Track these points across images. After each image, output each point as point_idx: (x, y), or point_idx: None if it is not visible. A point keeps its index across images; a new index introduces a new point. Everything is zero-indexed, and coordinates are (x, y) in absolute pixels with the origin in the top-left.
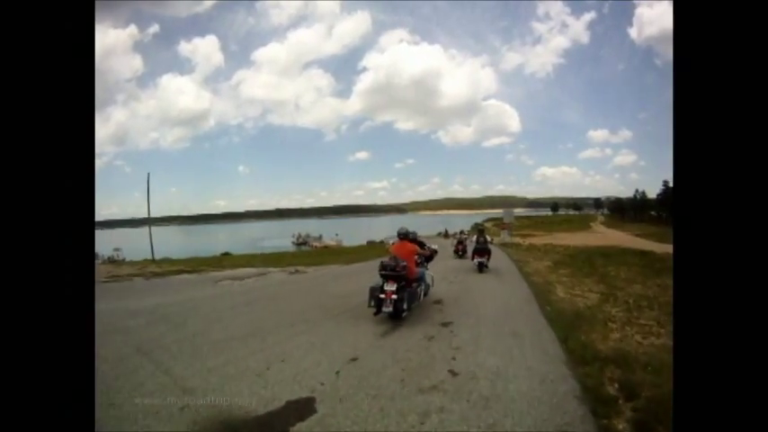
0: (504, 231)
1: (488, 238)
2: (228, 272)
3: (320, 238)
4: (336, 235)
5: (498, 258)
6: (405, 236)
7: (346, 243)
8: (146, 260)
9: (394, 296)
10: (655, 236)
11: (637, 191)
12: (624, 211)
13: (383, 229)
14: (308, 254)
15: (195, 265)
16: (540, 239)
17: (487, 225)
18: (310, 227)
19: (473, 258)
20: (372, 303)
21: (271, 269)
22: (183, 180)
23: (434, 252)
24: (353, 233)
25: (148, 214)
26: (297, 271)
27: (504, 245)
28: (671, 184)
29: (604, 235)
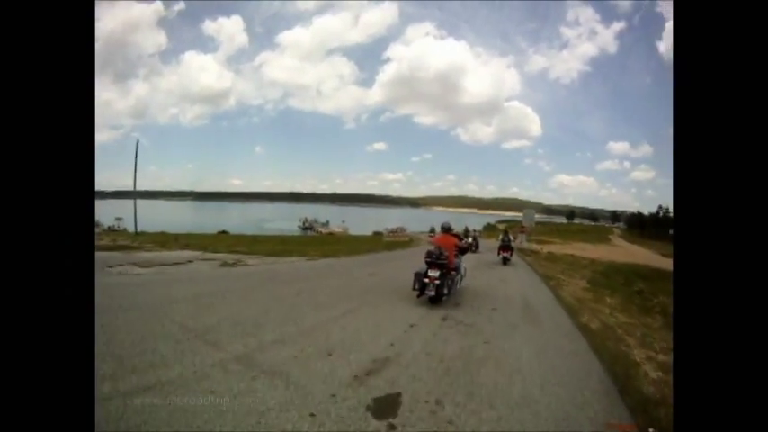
0: (522, 235)
1: (511, 238)
2: (156, 254)
3: (327, 224)
4: (343, 222)
5: (521, 270)
6: (448, 230)
7: (353, 231)
8: (125, 232)
9: (437, 281)
10: None
11: (660, 207)
12: (644, 226)
13: (393, 221)
14: (299, 240)
15: (155, 240)
16: (559, 248)
17: (500, 227)
18: (322, 212)
19: (499, 253)
20: (416, 287)
21: (211, 256)
22: (200, 157)
23: (470, 246)
24: (363, 222)
25: (134, 187)
26: (236, 263)
27: (521, 251)
28: (666, 209)
29: (628, 250)
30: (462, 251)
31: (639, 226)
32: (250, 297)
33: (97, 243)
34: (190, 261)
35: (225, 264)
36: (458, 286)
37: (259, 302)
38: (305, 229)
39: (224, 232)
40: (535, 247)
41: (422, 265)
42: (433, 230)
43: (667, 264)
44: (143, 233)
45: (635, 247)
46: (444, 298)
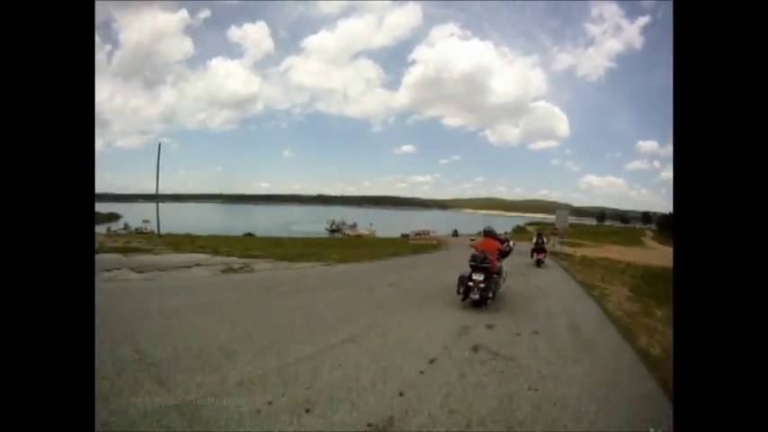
0: (555, 237)
1: (544, 240)
2: (163, 257)
3: (354, 226)
4: (371, 224)
5: (557, 276)
6: (490, 233)
7: (381, 234)
8: (151, 234)
9: (481, 285)
10: None
11: None
12: None
13: (421, 224)
14: (322, 243)
15: (172, 242)
16: (593, 251)
17: (529, 229)
18: (350, 215)
19: (532, 255)
20: (460, 290)
21: (220, 260)
22: (229, 160)
23: (511, 249)
24: (391, 224)
25: (156, 190)
26: (242, 268)
27: (554, 254)
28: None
29: (662, 253)
30: (504, 255)
31: (672, 227)
32: (235, 313)
33: (110, 245)
34: (192, 265)
35: (229, 269)
36: (500, 290)
37: (242, 322)
38: (332, 231)
39: (250, 234)
40: (567, 250)
41: (448, 273)
42: (456, 232)
43: None
44: (169, 235)
45: (669, 249)
46: (489, 302)
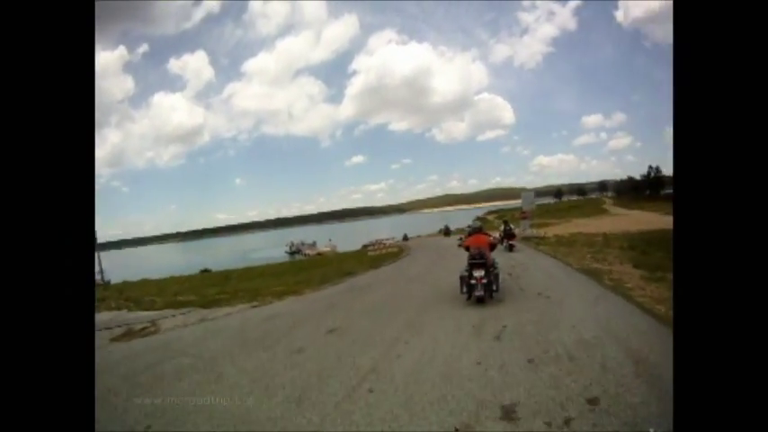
0: (525, 221)
1: (512, 226)
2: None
3: (314, 244)
4: (330, 240)
5: (551, 266)
6: (478, 229)
7: (342, 247)
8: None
9: (484, 281)
10: None
11: (651, 167)
12: (638, 190)
13: (383, 231)
14: (272, 271)
15: (101, 297)
16: (563, 228)
17: (489, 218)
18: (310, 233)
19: (502, 242)
20: (464, 290)
21: (133, 316)
22: (182, 196)
23: (498, 241)
24: (351, 236)
25: (95, 239)
26: (143, 330)
27: (527, 240)
28: (657, 169)
29: (630, 217)
30: (493, 247)
31: (632, 191)
32: None
33: None
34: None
35: (126, 334)
36: (500, 282)
37: None
38: (292, 253)
39: (206, 270)
40: (539, 232)
41: (413, 295)
42: (406, 237)
43: None
44: (123, 283)
45: (635, 212)
46: (494, 294)
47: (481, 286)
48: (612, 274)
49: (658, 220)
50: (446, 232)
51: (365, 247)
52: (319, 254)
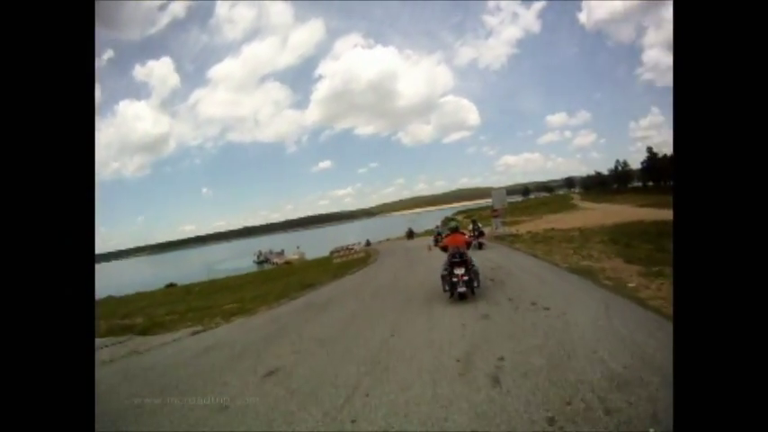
0: (497, 219)
1: (480, 225)
2: None
3: (282, 253)
4: (298, 248)
5: (537, 266)
6: (456, 229)
7: (311, 254)
8: None
9: (465, 278)
10: (659, 204)
11: (618, 161)
12: (605, 185)
13: (351, 236)
14: (233, 284)
15: None
16: (534, 225)
17: (458, 218)
18: (278, 242)
19: (476, 240)
20: (446, 288)
21: None
22: (148, 208)
23: (473, 239)
24: (320, 243)
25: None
26: None
27: (500, 239)
28: (624, 163)
29: (600, 210)
30: (468, 245)
31: (600, 185)
32: None
33: None
34: None
35: None
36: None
37: None
38: (260, 262)
39: (172, 285)
40: (510, 230)
41: (378, 311)
42: (368, 242)
43: (653, 214)
44: None
45: (603, 205)
46: (475, 290)
47: (462, 283)
48: (606, 272)
49: (631, 211)
50: (410, 235)
51: (332, 253)
52: (287, 262)
